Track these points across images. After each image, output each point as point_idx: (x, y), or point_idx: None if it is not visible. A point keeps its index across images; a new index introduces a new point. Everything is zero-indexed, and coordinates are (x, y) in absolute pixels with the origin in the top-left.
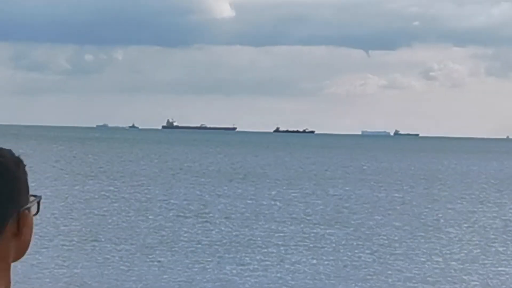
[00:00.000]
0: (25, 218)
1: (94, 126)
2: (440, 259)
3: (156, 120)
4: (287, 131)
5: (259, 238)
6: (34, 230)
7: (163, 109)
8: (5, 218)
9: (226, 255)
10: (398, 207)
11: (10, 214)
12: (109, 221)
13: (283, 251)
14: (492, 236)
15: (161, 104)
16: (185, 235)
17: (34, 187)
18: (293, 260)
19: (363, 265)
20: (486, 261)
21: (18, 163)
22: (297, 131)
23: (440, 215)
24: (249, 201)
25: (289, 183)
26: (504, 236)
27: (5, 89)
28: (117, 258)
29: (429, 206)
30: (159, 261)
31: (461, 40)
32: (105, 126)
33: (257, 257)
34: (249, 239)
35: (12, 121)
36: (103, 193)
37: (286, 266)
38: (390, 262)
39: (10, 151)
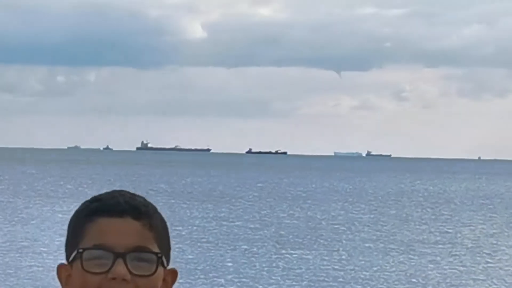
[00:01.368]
0: (174, 276)
1: (66, 147)
2: (414, 279)
3: (130, 142)
4: (259, 152)
5: (230, 260)
6: None
7: (137, 131)
8: (160, 260)
9: (198, 277)
10: (370, 227)
11: (162, 261)
12: None
13: (254, 273)
14: (463, 255)
15: (135, 126)
16: None
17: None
18: (265, 282)
19: (337, 286)
20: (457, 281)
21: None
22: (270, 152)
23: (412, 235)
24: (222, 222)
25: (262, 204)
26: (475, 255)
27: None
28: None
29: (401, 226)
30: None
31: (433, 61)
32: (76, 147)
33: (229, 278)
34: (221, 261)
35: None
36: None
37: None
38: (363, 282)
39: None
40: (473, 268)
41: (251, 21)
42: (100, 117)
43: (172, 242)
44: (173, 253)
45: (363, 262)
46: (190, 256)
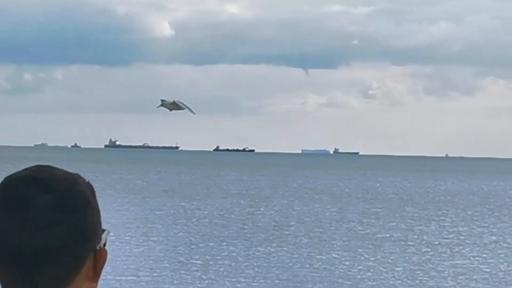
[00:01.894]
0: (103, 257)
1: (32, 145)
2: (380, 276)
3: (98, 139)
4: (227, 150)
5: (197, 256)
6: None
7: (105, 128)
8: (82, 258)
9: (164, 273)
10: (336, 224)
11: (86, 254)
12: None
13: (222, 269)
14: (429, 251)
15: (103, 123)
16: (123, 252)
17: None
18: (233, 278)
19: (304, 281)
20: (424, 277)
21: (93, 190)
22: (237, 150)
23: (377, 231)
24: (190, 218)
25: (228, 201)
26: (441, 251)
27: None
28: None
29: (367, 222)
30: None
31: (400, 59)
32: (43, 145)
33: (197, 275)
34: (187, 258)
35: None
36: None
37: (227, 284)
38: (329, 278)
39: (79, 175)
40: (439, 263)
41: (218, 19)
42: (68, 115)
43: (135, 237)
44: (138, 250)
45: (327, 258)
46: (159, 253)
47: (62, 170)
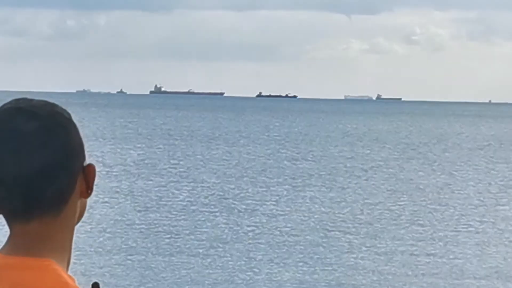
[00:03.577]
0: (92, 172)
1: (74, 91)
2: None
3: (144, 86)
4: (269, 96)
5: (247, 199)
6: None
7: (150, 75)
8: (75, 174)
9: (216, 208)
10: (377, 168)
11: (79, 169)
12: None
13: (269, 212)
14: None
15: (147, 70)
16: (173, 196)
17: None
18: (281, 217)
19: (348, 219)
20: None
21: (67, 112)
22: (280, 96)
23: (429, 181)
24: (234, 165)
25: (274, 147)
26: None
27: None
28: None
29: (407, 168)
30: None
31: (443, 4)
32: (85, 91)
33: (245, 216)
34: (234, 200)
35: None
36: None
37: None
38: (370, 217)
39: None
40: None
41: None
42: (111, 61)
43: (185, 182)
44: (184, 195)
45: (372, 202)
46: (204, 194)
47: (38, 99)
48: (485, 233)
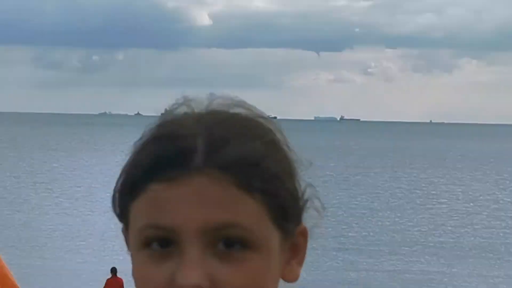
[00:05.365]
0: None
1: (97, 113)
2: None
3: (156, 109)
4: None
5: None
6: None
7: (162, 100)
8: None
9: None
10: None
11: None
12: None
13: None
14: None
15: (160, 95)
16: None
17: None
18: None
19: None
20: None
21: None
22: None
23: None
24: None
25: None
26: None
27: (28, 84)
28: None
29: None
30: None
31: (393, 43)
32: (105, 113)
33: None
34: None
35: (30, 109)
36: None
37: None
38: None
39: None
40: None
41: (247, 11)
42: (127, 89)
43: None
44: None
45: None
46: None
47: None
48: None
